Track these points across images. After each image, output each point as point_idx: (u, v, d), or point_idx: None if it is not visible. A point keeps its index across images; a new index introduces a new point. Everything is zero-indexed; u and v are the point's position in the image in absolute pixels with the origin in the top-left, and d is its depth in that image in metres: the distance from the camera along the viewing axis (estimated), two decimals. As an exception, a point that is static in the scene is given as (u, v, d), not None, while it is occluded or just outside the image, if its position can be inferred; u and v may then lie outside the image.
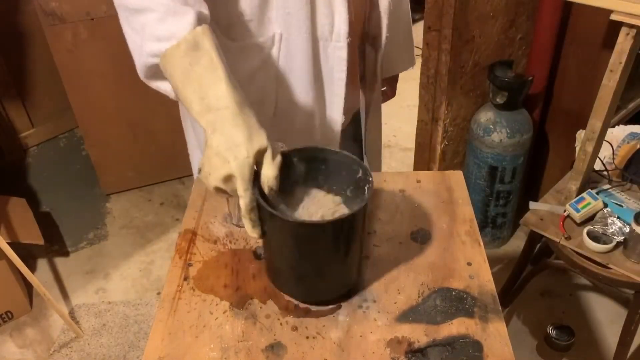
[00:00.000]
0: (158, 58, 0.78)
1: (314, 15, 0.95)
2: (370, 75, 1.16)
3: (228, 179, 0.71)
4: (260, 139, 0.72)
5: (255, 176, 0.74)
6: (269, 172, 0.72)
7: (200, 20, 0.77)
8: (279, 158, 0.73)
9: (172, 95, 0.84)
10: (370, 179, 0.77)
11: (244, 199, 0.71)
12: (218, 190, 0.73)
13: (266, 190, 0.72)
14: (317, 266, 0.78)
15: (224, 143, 0.71)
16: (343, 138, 1.12)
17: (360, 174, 0.79)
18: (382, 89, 1.21)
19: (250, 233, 0.75)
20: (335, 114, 1.07)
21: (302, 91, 1.02)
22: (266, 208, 0.71)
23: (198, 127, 1.11)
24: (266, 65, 0.99)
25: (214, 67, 0.74)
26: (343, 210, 0.80)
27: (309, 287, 0.81)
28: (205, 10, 0.80)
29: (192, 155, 1.24)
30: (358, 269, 0.83)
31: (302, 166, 0.82)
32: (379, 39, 1.10)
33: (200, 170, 0.75)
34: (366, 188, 0.77)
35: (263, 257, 0.87)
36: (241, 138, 0.71)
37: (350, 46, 1.00)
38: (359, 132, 1.24)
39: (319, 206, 0.81)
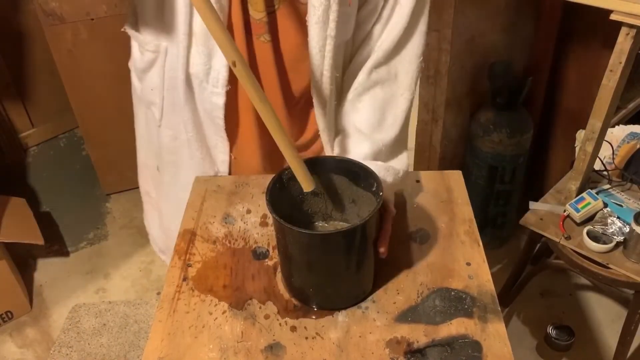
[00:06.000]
0: None
1: (189, 50, 0.92)
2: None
3: None
4: None
5: (271, 192, 0.76)
6: None
7: None
8: None
9: None
10: (381, 193, 0.77)
11: None
12: None
13: None
14: (331, 274, 0.79)
15: None
16: None
17: (374, 187, 0.80)
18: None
19: None
20: (221, 154, 1.04)
21: (182, 113, 0.99)
22: (280, 221, 0.73)
23: (153, 138, 1.10)
24: (156, 65, 0.98)
25: None
26: None
27: (325, 295, 0.81)
28: None
29: (141, 174, 1.23)
30: (373, 275, 0.84)
31: (329, 176, 0.84)
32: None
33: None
34: (376, 201, 0.78)
35: (279, 271, 0.87)
36: None
37: (234, 94, 0.96)
38: None
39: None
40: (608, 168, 1.73)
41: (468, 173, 2.07)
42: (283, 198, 0.80)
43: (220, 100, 0.95)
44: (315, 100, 0.96)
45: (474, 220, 0.94)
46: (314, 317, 0.79)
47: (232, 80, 0.93)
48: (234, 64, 0.71)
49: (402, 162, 0.99)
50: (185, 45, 0.91)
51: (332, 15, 0.87)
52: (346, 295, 0.81)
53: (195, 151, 1.03)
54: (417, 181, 1.02)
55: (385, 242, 0.83)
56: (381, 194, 0.77)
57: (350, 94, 0.98)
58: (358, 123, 0.97)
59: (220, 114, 0.96)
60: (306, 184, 0.79)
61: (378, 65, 0.97)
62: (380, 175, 0.88)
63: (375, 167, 0.90)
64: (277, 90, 0.98)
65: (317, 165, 0.82)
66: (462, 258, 0.87)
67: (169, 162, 1.09)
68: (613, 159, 1.78)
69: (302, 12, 0.89)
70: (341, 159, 0.84)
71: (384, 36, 0.95)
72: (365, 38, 0.96)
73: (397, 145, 1.00)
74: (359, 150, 0.95)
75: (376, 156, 0.95)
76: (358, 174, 0.82)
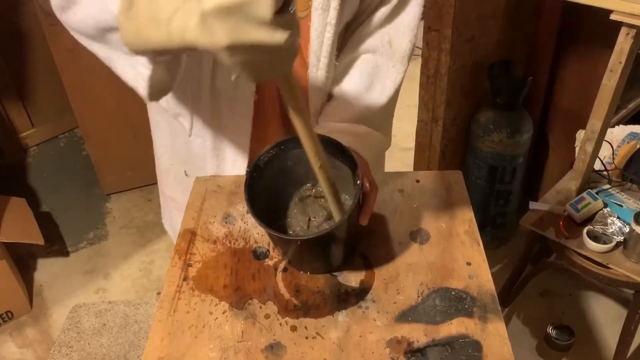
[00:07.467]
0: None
1: (215, 64, 0.90)
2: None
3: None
4: None
5: (250, 194, 0.77)
6: None
7: None
8: None
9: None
10: (359, 182, 0.78)
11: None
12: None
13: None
14: (322, 255, 0.84)
15: None
16: None
17: (352, 168, 0.81)
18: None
19: None
20: (237, 169, 1.03)
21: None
22: (270, 230, 0.76)
23: (180, 146, 1.07)
24: (183, 79, 0.94)
25: None
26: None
27: (321, 266, 0.87)
28: None
29: (164, 180, 1.18)
30: (358, 240, 0.89)
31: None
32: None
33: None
34: (355, 193, 0.79)
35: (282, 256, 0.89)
36: None
37: (261, 103, 0.94)
38: None
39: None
40: (608, 168, 1.74)
41: (468, 173, 2.07)
42: (267, 175, 0.83)
43: (250, 107, 0.95)
44: (310, 85, 0.96)
45: (474, 220, 0.94)
46: (314, 316, 0.79)
47: (260, 89, 0.93)
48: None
49: (387, 133, 1.00)
50: (210, 61, 0.90)
51: (334, 3, 0.87)
52: (334, 263, 0.86)
53: (212, 159, 1.02)
54: (417, 181, 1.02)
55: (367, 216, 0.83)
56: (359, 182, 0.78)
57: (341, 59, 0.98)
58: (346, 87, 0.98)
59: (249, 115, 0.95)
60: (336, 213, 0.80)
61: (371, 32, 0.97)
62: (360, 141, 0.90)
63: (357, 132, 0.91)
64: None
65: (294, 141, 0.81)
66: (462, 258, 0.87)
67: (200, 167, 1.07)
68: (613, 159, 1.78)
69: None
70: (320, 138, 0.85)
71: (381, 6, 0.95)
72: (364, 10, 0.96)
73: (382, 116, 1.00)
74: (344, 114, 0.95)
75: (360, 122, 0.95)
76: (335, 153, 0.82)
